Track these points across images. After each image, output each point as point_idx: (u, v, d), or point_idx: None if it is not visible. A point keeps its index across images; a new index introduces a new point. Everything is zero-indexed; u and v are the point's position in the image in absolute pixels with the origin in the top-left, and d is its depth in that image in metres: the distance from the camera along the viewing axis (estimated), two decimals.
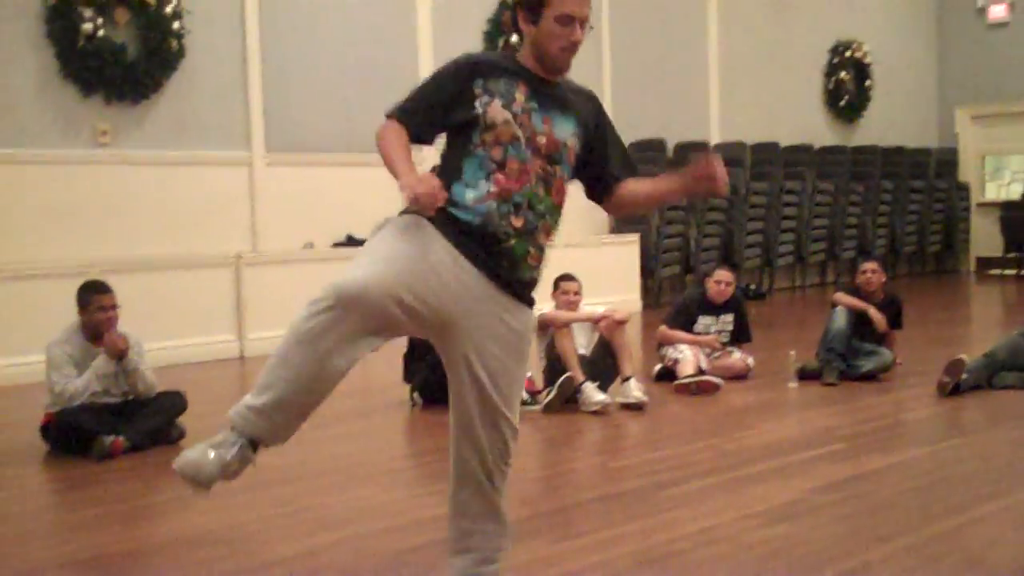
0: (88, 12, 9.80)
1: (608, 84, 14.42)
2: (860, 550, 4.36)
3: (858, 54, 18.19)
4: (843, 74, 18.01)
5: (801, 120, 17.34)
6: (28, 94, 9.80)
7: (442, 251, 3.25)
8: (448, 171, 3.37)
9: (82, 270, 8.48)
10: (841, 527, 4.70)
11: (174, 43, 10.34)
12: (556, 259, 12.32)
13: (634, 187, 3.67)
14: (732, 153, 15.43)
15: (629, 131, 14.36)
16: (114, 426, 6.24)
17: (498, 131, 3.32)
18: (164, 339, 9.42)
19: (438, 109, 3.38)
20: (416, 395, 7.59)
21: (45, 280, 8.97)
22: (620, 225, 14.17)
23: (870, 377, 8.20)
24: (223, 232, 10.74)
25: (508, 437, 3.55)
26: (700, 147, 14.97)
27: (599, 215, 14.03)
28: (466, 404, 3.42)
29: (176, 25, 10.32)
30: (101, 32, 9.89)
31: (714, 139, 15.82)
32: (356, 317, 3.10)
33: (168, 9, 10.25)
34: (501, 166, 3.32)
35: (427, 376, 7.49)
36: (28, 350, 8.12)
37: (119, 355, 6.34)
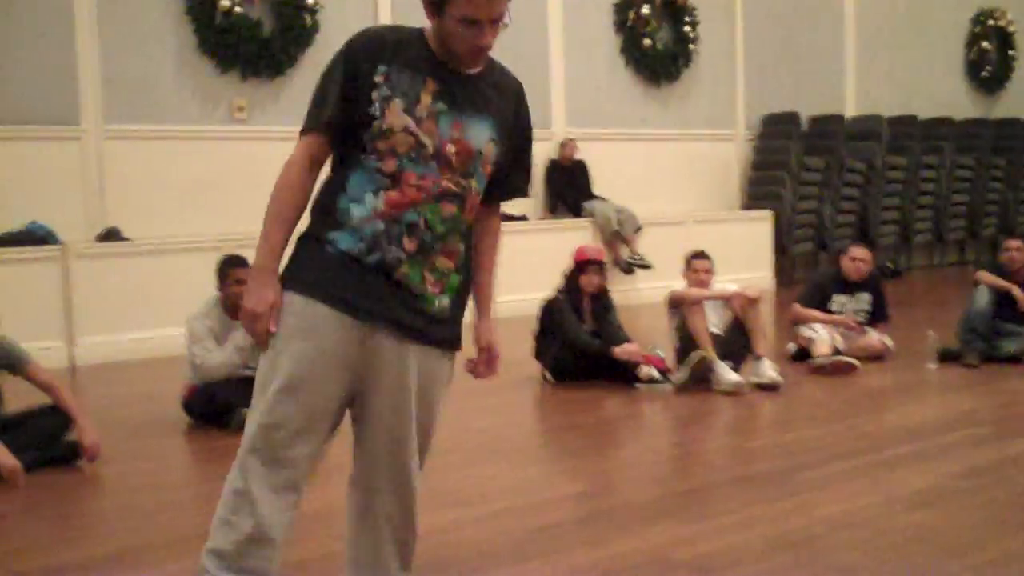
0: None
1: (741, 58, 14.21)
2: (1002, 538, 4.23)
3: (1001, 22, 17.58)
4: (985, 44, 17.43)
5: (940, 92, 16.85)
6: (168, 70, 10.04)
7: (332, 332, 2.86)
8: (328, 186, 2.92)
9: (219, 244, 8.68)
10: (983, 514, 4.56)
11: (308, 18, 10.49)
12: (686, 235, 12.27)
13: (480, 251, 3.12)
14: (868, 126, 15.11)
15: (762, 105, 14.24)
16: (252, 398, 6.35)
17: (394, 140, 2.82)
18: None
19: (346, 105, 2.87)
20: (547, 373, 7.60)
21: (184, 254, 9.19)
22: (752, 201, 13.98)
23: (1013, 359, 7.93)
24: None
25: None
26: (836, 119, 14.70)
27: (729, 190, 13.90)
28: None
29: (310, 1, 10.45)
30: (238, 8, 10.07)
31: (849, 112, 15.49)
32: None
33: None
34: (394, 181, 2.82)
35: (558, 353, 7.50)
36: (169, 323, 8.34)
37: None
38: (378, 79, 2.83)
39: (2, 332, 5.68)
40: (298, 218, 2.90)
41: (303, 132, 2.92)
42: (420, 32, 2.92)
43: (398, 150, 2.81)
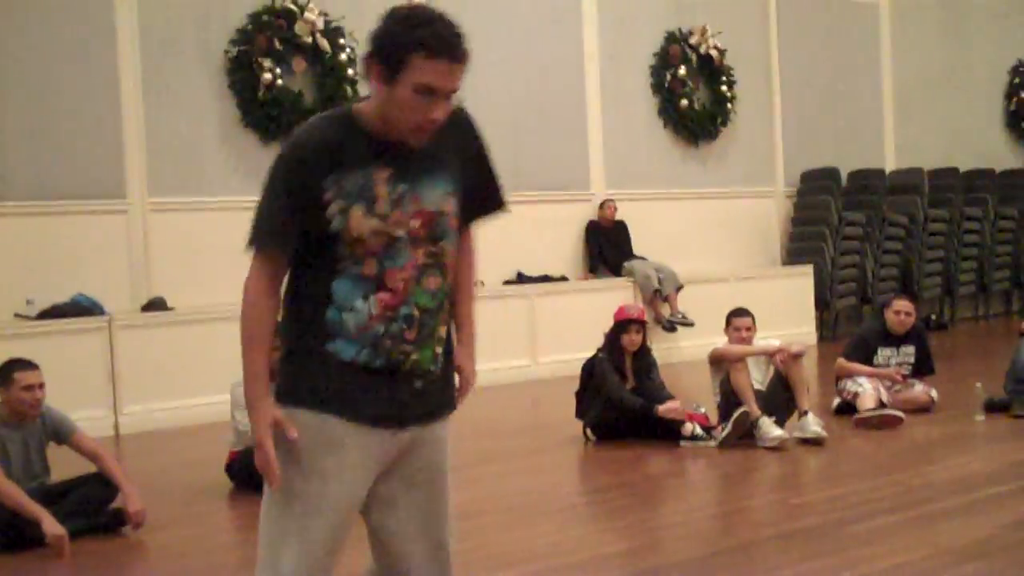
0: (267, 62, 10.17)
1: (779, 114, 14.24)
2: None
3: None
4: None
5: (981, 143, 16.77)
6: (212, 143, 10.20)
7: (353, 444, 2.75)
8: (310, 298, 2.74)
9: None
10: None
11: (349, 89, 10.63)
12: (728, 293, 12.23)
13: (459, 278, 2.95)
14: (909, 179, 15.06)
15: (802, 160, 14.25)
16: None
17: (367, 243, 2.66)
18: None
19: (297, 219, 2.69)
20: (589, 431, 7.58)
21: (226, 323, 9.21)
22: (793, 256, 13.94)
23: None
24: None
25: None
26: (876, 174, 14.67)
27: (770, 247, 13.87)
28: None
29: (350, 72, 10.60)
30: (280, 81, 10.24)
31: (889, 166, 15.45)
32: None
33: (342, 56, 10.56)
34: (379, 282, 2.69)
35: (600, 412, 7.49)
36: (212, 390, 8.39)
37: None
38: (328, 195, 2.65)
39: (48, 402, 5.75)
40: (271, 337, 2.80)
41: (255, 250, 2.74)
42: (349, 117, 2.73)
43: (374, 251, 2.67)
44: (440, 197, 2.74)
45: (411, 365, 2.74)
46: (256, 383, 2.78)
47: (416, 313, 2.71)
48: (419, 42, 2.60)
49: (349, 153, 2.66)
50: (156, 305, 9.46)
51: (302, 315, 2.77)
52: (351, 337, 2.70)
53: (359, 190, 2.65)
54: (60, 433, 5.76)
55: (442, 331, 2.81)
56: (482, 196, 2.94)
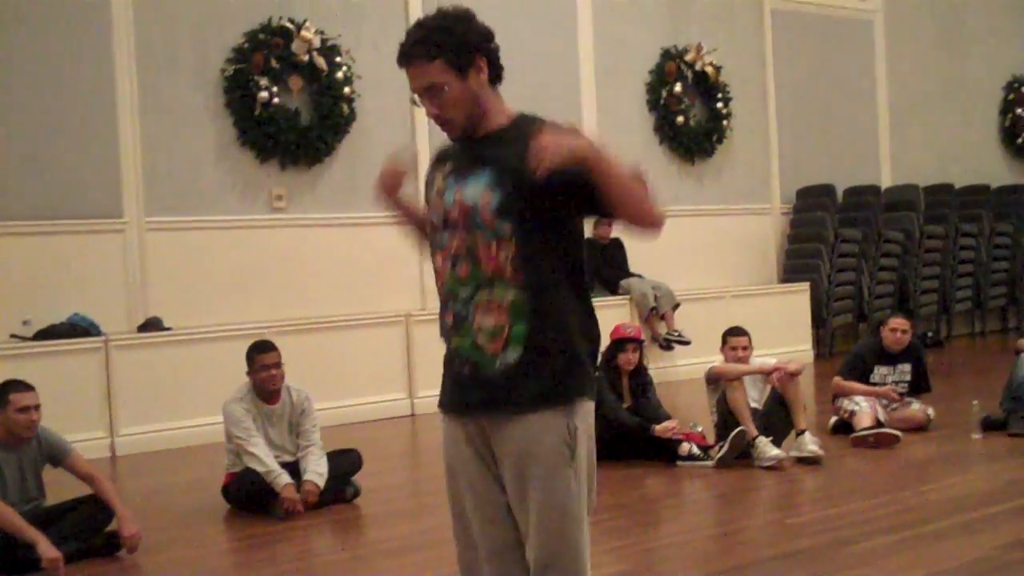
0: (264, 81, 10.17)
1: (774, 132, 14.26)
2: None
3: None
4: (1020, 110, 17.39)
5: (976, 160, 16.80)
6: (208, 162, 10.19)
7: (450, 442, 2.98)
8: None
9: (258, 331, 8.75)
10: None
11: (345, 107, 10.64)
12: (724, 310, 12.26)
13: None
14: (905, 196, 15.08)
15: (798, 177, 14.28)
16: (293, 485, 6.37)
17: (429, 223, 3.02)
18: (338, 398, 9.63)
19: None
20: None
21: (223, 342, 9.26)
22: (789, 274, 13.95)
23: None
24: (393, 291, 10.93)
25: None
26: (871, 190, 14.69)
27: (766, 264, 13.88)
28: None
29: (347, 90, 10.62)
30: (276, 100, 10.24)
31: (885, 182, 15.47)
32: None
33: (339, 75, 10.56)
34: (435, 267, 2.95)
35: (597, 432, 7.45)
36: (209, 412, 8.35)
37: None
38: (426, 184, 3.00)
39: (44, 424, 5.74)
40: None
41: None
42: None
43: (428, 232, 3.00)
44: (477, 191, 2.82)
45: (454, 350, 2.86)
46: None
47: (448, 298, 2.86)
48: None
49: (438, 158, 3.04)
50: (153, 325, 9.44)
51: None
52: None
53: (431, 178, 2.99)
54: (56, 455, 5.75)
55: (496, 322, 2.77)
56: (580, 200, 2.83)
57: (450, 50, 2.80)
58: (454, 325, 2.82)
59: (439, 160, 3.00)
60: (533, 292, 2.77)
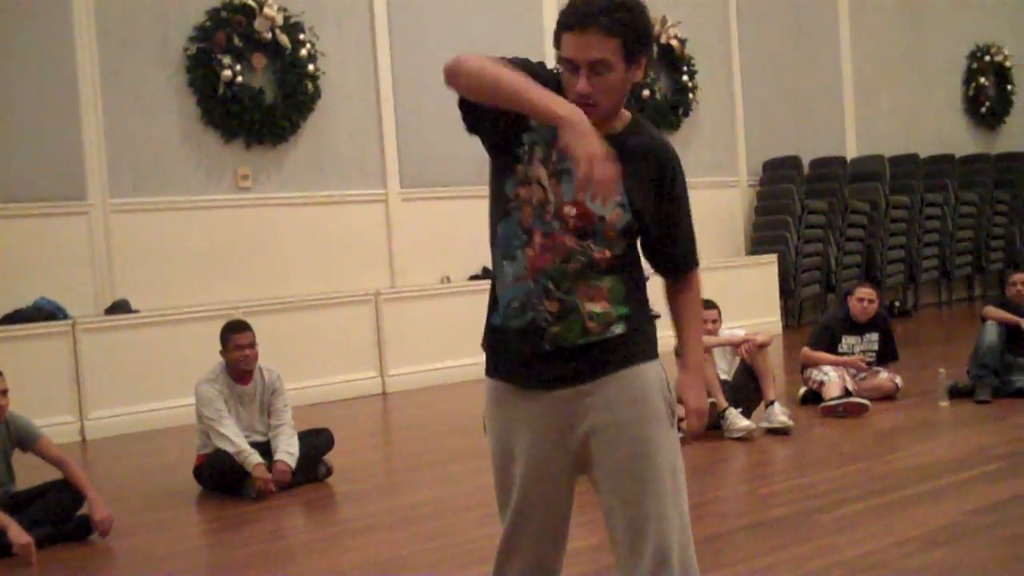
0: (227, 59, 10.10)
1: (740, 104, 14.31)
2: (1021, 574, 4.19)
3: (998, 58, 17.68)
4: (983, 79, 17.53)
5: (941, 130, 16.92)
6: (172, 142, 10.12)
7: (511, 420, 2.85)
8: (491, 229, 2.83)
9: (228, 312, 8.72)
10: (1001, 550, 4.54)
11: (310, 85, 10.58)
12: None
13: (675, 305, 3.02)
14: (870, 167, 15.16)
15: (763, 149, 14.31)
16: (264, 465, 6.36)
17: (531, 190, 2.70)
18: (308, 378, 9.62)
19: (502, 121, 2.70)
20: None
21: (192, 324, 9.22)
22: (757, 246, 14.00)
23: None
24: (362, 269, 10.91)
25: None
26: (837, 161, 14.75)
27: (734, 237, 13.92)
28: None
29: (311, 68, 10.56)
30: (240, 79, 10.17)
31: (851, 153, 15.55)
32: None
33: (303, 52, 10.50)
34: (529, 237, 2.72)
35: None
36: (179, 393, 8.36)
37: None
38: (533, 122, 2.68)
39: (12, 409, 5.69)
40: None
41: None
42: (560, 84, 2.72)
43: (533, 202, 2.70)
44: (608, 205, 2.69)
45: (553, 336, 2.74)
46: (539, 90, 2.57)
47: (553, 288, 2.72)
48: (560, 19, 2.68)
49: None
50: (120, 307, 9.38)
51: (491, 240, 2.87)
52: (507, 287, 2.79)
53: (547, 139, 2.67)
54: (24, 440, 5.71)
55: (600, 307, 2.76)
56: (669, 250, 2.93)
57: (632, 34, 2.65)
58: (558, 313, 2.73)
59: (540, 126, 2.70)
60: (626, 280, 2.81)
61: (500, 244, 2.77)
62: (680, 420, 6.96)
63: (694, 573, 2.80)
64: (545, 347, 2.74)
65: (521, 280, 2.73)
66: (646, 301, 2.90)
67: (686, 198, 2.89)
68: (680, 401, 2.96)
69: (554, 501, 2.88)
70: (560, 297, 2.72)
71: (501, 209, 2.76)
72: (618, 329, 2.78)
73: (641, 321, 2.84)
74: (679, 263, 2.96)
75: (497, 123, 2.69)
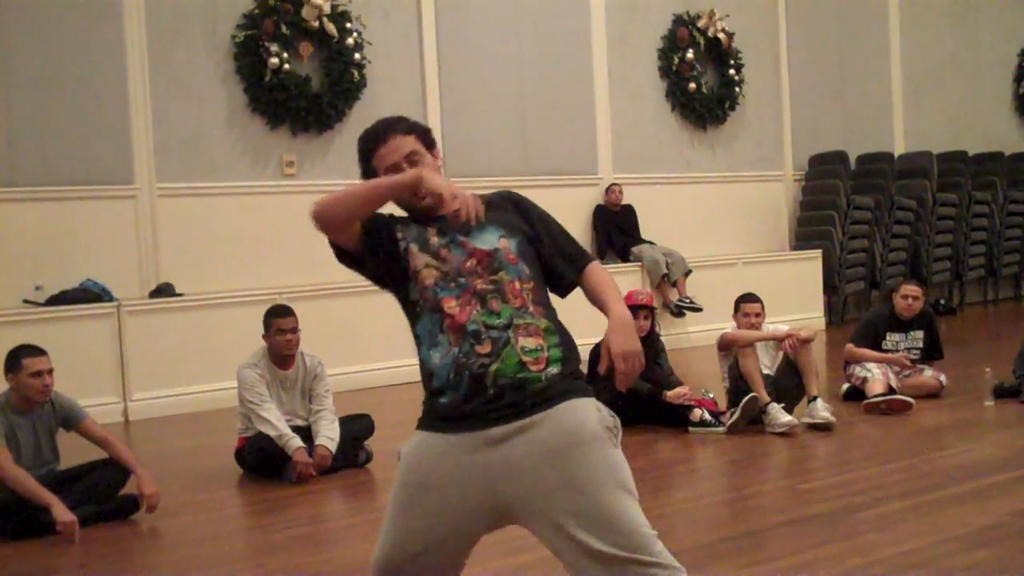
0: (274, 47, 10.15)
1: (787, 98, 14.21)
2: None
3: None
4: None
5: (990, 127, 16.72)
6: (219, 129, 10.19)
7: (438, 459, 2.98)
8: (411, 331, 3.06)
9: (270, 297, 8.77)
10: None
11: (356, 74, 10.62)
12: (736, 277, 12.23)
13: (590, 291, 3.16)
14: (918, 163, 15.01)
15: (811, 144, 14.22)
16: (305, 449, 6.39)
17: (423, 276, 2.97)
18: (350, 364, 9.66)
19: (374, 238, 3.08)
20: None
21: (235, 308, 9.29)
22: (802, 241, 13.92)
23: None
24: None
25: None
26: (885, 157, 14.62)
27: (779, 231, 13.84)
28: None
29: (357, 56, 10.60)
30: (287, 66, 10.22)
31: (898, 149, 15.41)
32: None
33: (349, 41, 10.53)
34: (443, 314, 2.92)
35: (608, 399, 7.44)
36: (222, 376, 8.41)
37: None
38: (399, 234, 3.03)
39: (57, 389, 5.75)
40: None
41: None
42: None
43: (428, 284, 2.95)
44: (493, 240, 3.00)
45: (493, 373, 2.84)
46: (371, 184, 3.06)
47: (482, 329, 2.88)
48: (363, 148, 3.18)
49: (409, 220, 3.08)
50: (164, 291, 9.46)
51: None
52: (438, 368, 2.93)
53: (415, 235, 3.03)
54: (69, 420, 5.77)
55: (535, 343, 2.90)
56: (560, 266, 3.14)
57: (419, 128, 3.16)
58: (491, 352, 2.85)
59: (409, 220, 3.07)
60: (552, 320, 2.99)
61: (424, 340, 2.97)
62: (720, 414, 6.86)
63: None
64: (489, 392, 2.83)
65: (448, 353, 2.89)
66: (576, 351, 3.03)
67: (548, 215, 3.21)
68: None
69: (460, 540, 3.05)
70: (491, 336, 2.87)
71: (413, 314, 3.01)
72: (554, 369, 2.91)
73: (574, 368, 2.99)
74: (577, 260, 3.16)
75: (376, 249, 3.07)
